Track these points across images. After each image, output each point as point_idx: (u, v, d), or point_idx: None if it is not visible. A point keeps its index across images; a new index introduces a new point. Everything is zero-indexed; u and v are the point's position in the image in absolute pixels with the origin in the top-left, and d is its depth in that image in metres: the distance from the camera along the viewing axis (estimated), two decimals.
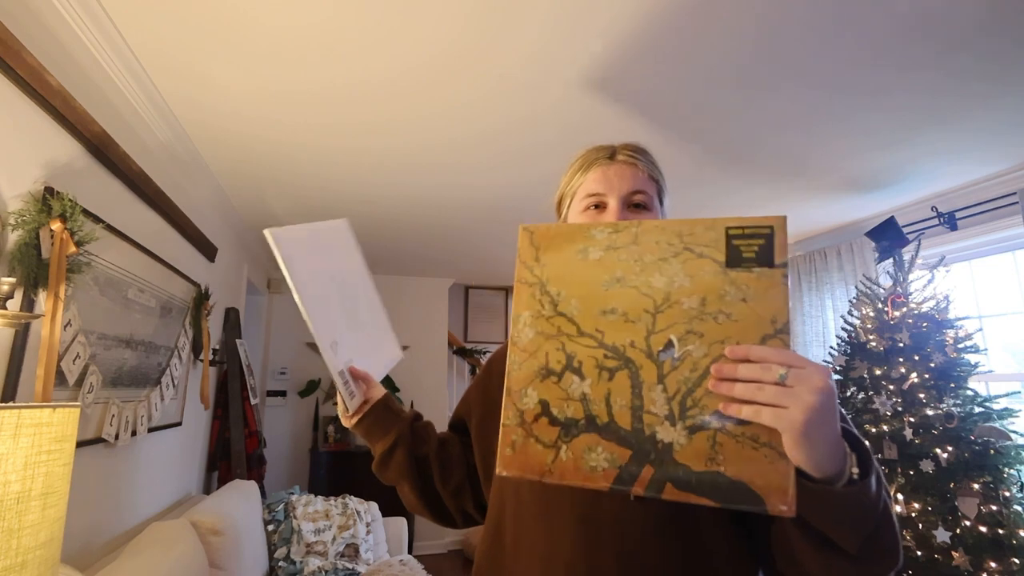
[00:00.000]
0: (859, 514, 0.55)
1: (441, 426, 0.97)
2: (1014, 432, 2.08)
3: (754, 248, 0.57)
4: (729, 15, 1.43)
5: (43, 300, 1.30)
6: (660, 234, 0.61)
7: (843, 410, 0.72)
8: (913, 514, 2.13)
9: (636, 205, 0.80)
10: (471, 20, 1.45)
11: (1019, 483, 2.03)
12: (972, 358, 2.25)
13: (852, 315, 2.68)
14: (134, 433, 1.84)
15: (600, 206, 0.80)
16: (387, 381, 4.54)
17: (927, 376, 2.25)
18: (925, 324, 2.34)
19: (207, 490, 2.94)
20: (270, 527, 2.64)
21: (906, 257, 2.55)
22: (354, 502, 2.95)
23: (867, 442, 0.61)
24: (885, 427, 2.29)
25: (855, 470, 0.56)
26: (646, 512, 0.69)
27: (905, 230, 2.62)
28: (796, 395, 0.51)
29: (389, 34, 1.51)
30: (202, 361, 2.59)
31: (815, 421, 0.50)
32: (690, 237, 0.59)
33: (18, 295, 1.24)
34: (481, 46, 1.56)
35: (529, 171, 2.47)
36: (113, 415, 1.69)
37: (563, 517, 0.72)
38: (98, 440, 1.62)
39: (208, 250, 2.65)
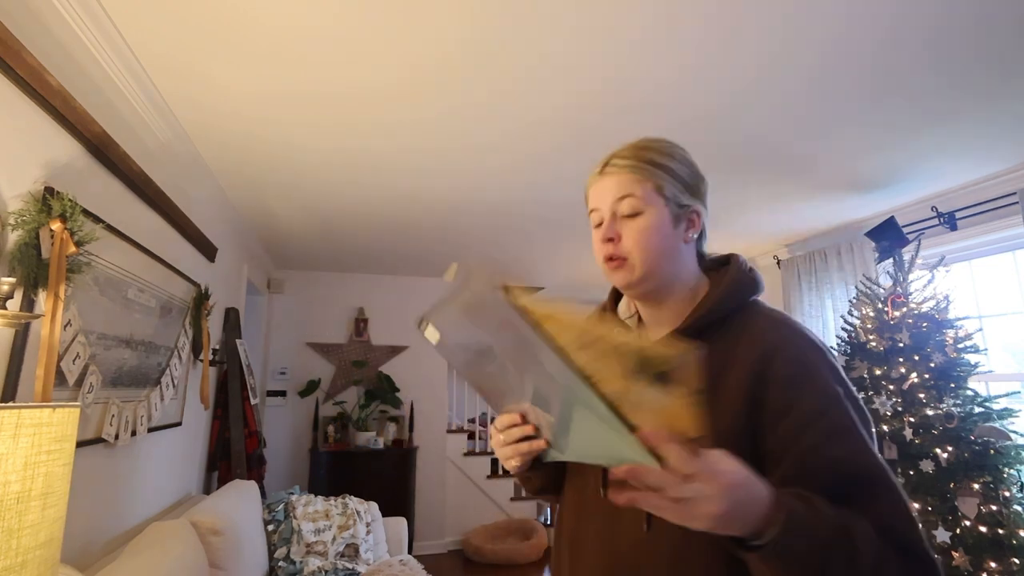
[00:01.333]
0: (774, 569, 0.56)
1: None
2: (1014, 432, 2.08)
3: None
4: (729, 15, 1.43)
5: (43, 300, 1.30)
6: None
7: (853, 410, 0.68)
8: (913, 514, 2.13)
9: (626, 215, 0.78)
10: (478, 22, 1.45)
11: (1019, 483, 2.03)
12: (972, 358, 2.25)
13: (852, 315, 2.69)
14: (134, 433, 1.84)
15: (600, 224, 0.81)
16: (387, 380, 4.54)
17: (927, 376, 2.25)
18: (925, 324, 2.34)
19: (207, 490, 2.94)
20: (270, 527, 2.64)
21: (906, 257, 2.55)
22: (354, 502, 2.95)
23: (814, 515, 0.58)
24: (885, 427, 2.29)
25: (758, 542, 0.55)
26: (658, 545, 0.70)
27: (905, 230, 2.62)
28: (692, 512, 0.52)
29: (392, 36, 1.51)
30: (202, 361, 2.59)
31: (722, 516, 0.52)
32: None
33: (18, 295, 1.24)
34: (488, 49, 1.56)
35: (529, 171, 2.47)
36: (113, 415, 1.69)
37: (589, 548, 0.77)
38: (98, 440, 1.62)
39: (208, 250, 2.65)
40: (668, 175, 0.79)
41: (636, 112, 1.93)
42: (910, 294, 2.47)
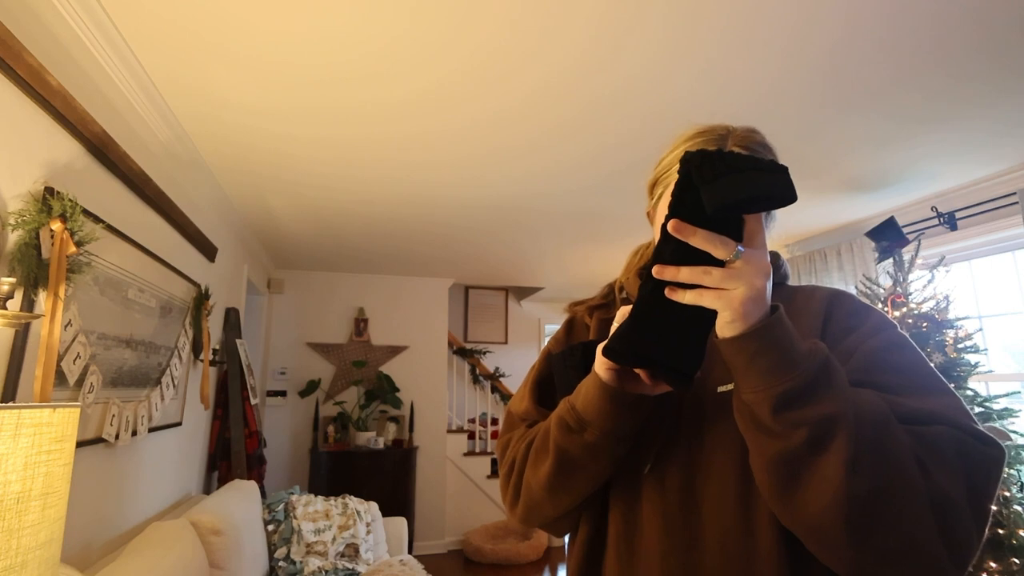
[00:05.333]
0: (768, 348, 0.54)
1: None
2: (1014, 432, 2.08)
3: None
4: (727, 15, 1.43)
5: (43, 300, 1.30)
6: None
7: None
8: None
9: None
10: (491, 36, 1.45)
11: (1019, 483, 2.03)
12: (972, 358, 2.25)
13: None
14: (134, 433, 1.84)
15: None
16: (387, 380, 4.54)
17: None
18: (925, 324, 2.34)
19: (207, 490, 2.94)
20: (270, 527, 2.64)
21: (906, 257, 2.55)
22: (354, 502, 2.95)
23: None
24: None
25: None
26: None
27: (905, 230, 2.62)
28: (743, 276, 0.52)
29: (396, 49, 1.51)
30: (202, 361, 2.59)
31: (757, 300, 0.53)
32: None
33: (18, 295, 1.23)
34: (502, 56, 1.56)
35: (529, 168, 2.47)
36: (113, 415, 1.68)
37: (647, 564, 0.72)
38: (98, 440, 1.62)
39: (208, 250, 2.65)
40: None
41: (620, 96, 1.93)
42: (910, 294, 2.47)
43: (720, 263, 0.53)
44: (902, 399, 0.60)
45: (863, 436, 0.53)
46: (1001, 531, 1.96)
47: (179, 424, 2.40)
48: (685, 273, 0.53)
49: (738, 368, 0.57)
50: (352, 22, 1.46)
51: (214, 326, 2.88)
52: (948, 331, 2.30)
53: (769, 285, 0.55)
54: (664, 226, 0.53)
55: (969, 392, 2.20)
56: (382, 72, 1.69)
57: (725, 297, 0.52)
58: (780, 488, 0.56)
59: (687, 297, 0.53)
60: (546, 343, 0.92)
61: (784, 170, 0.52)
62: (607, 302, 0.87)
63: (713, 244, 0.52)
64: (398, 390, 4.57)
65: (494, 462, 4.99)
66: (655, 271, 0.54)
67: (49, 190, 1.31)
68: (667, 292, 0.54)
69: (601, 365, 0.63)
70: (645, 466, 0.70)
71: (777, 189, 0.51)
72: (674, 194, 0.53)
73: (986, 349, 2.31)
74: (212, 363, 2.75)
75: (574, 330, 0.88)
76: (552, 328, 6.33)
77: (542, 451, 0.71)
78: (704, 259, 0.53)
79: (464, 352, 5.33)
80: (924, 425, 0.57)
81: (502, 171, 2.47)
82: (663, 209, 0.76)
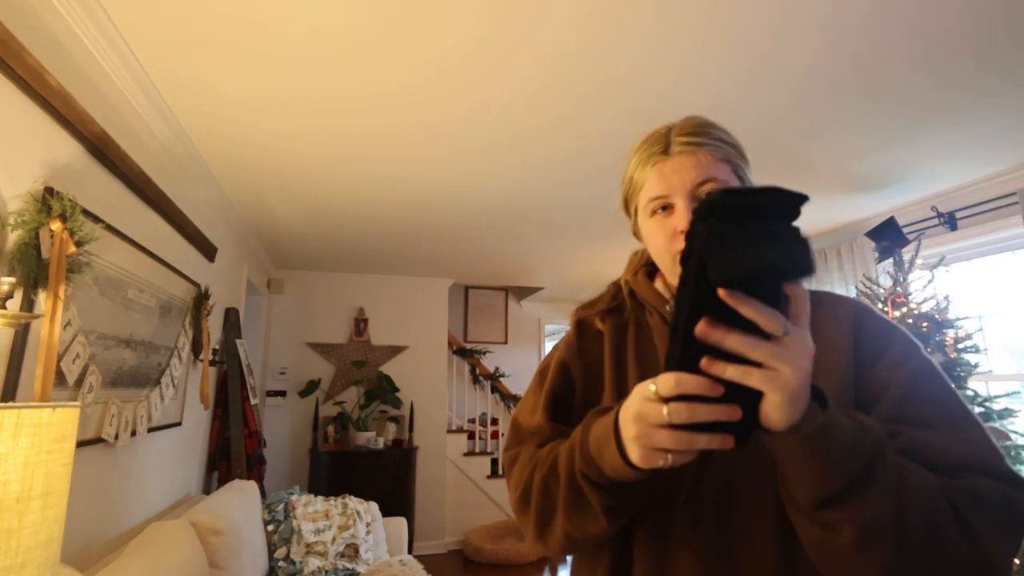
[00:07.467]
0: (815, 455, 0.51)
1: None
2: (1014, 432, 2.08)
3: None
4: (725, 14, 1.43)
5: (43, 300, 1.30)
6: None
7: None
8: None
9: None
10: (480, 23, 1.45)
11: None
12: (972, 358, 2.25)
13: None
14: (134, 433, 1.84)
15: (667, 208, 0.71)
16: (387, 380, 4.54)
17: None
18: (925, 324, 2.34)
19: (207, 490, 2.94)
20: (270, 527, 2.64)
21: (906, 257, 2.55)
22: (354, 502, 2.95)
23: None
24: None
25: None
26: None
27: (905, 230, 2.62)
28: (792, 358, 0.46)
29: (393, 40, 1.51)
30: (202, 361, 2.59)
31: (806, 385, 0.48)
32: None
33: (18, 295, 1.23)
34: (489, 51, 1.56)
35: (529, 167, 2.47)
36: (113, 415, 1.68)
37: None
38: (98, 440, 1.62)
39: (208, 250, 2.65)
40: (739, 154, 0.73)
41: (635, 104, 1.93)
42: (910, 294, 2.47)
43: (767, 337, 0.46)
44: (936, 437, 0.60)
45: (910, 530, 0.52)
46: None
47: (179, 424, 2.40)
48: (733, 340, 0.46)
49: (783, 460, 0.54)
50: (362, 42, 1.45)
51: (214, 326, 2.88)
52: (948, 331, 2.30)
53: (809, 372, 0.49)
54: (695, 285, 0.45)
55: (969, 392, 2.20)
56: (389, 97, 1.69)
57: (774, 380, 0.47)
58: (820, 562, 0.58)
59: (729, 372, 0.47)
60: (550, 349, 0.87)
61: (804, 240, 0.44)
62: (617, 304, 0.84)
63: (765, 316, 0.45)
64: (398, 390, 4.57)
65: (494, 462, 4.99)
66: (700, 331, 0.46)
67: (49, 190, 1.31)
68: (705, 364, 0.47)
69: (643, 454, 0.54)
70: (679, 497, 0.67)
71: (793, 261, 0.44)
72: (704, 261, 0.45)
73: (986, 349, 2.32)
74: (212, 363, 2.75)
75: (585, 334, 0.85)
76: (552, 328, 6.32)
77: (581, 504, 0.65)
78: (746, 331, 0.46)
79: (464, 352, 5.33)
80: (971, 476, 0.57)
81: (502, 175, 2.47)
82: (649, 226, 0.73)
